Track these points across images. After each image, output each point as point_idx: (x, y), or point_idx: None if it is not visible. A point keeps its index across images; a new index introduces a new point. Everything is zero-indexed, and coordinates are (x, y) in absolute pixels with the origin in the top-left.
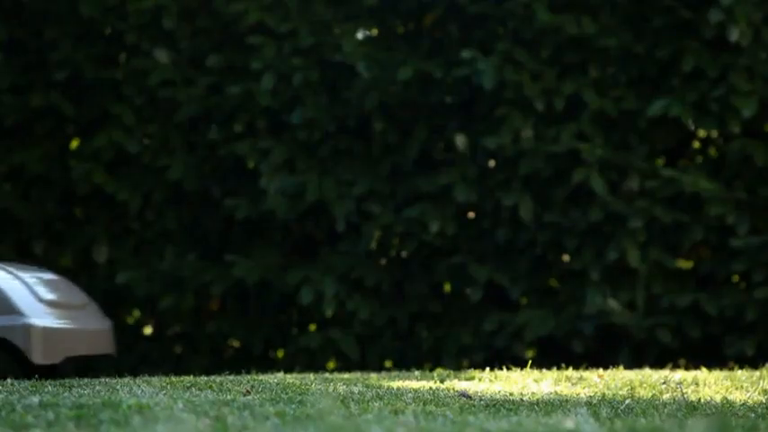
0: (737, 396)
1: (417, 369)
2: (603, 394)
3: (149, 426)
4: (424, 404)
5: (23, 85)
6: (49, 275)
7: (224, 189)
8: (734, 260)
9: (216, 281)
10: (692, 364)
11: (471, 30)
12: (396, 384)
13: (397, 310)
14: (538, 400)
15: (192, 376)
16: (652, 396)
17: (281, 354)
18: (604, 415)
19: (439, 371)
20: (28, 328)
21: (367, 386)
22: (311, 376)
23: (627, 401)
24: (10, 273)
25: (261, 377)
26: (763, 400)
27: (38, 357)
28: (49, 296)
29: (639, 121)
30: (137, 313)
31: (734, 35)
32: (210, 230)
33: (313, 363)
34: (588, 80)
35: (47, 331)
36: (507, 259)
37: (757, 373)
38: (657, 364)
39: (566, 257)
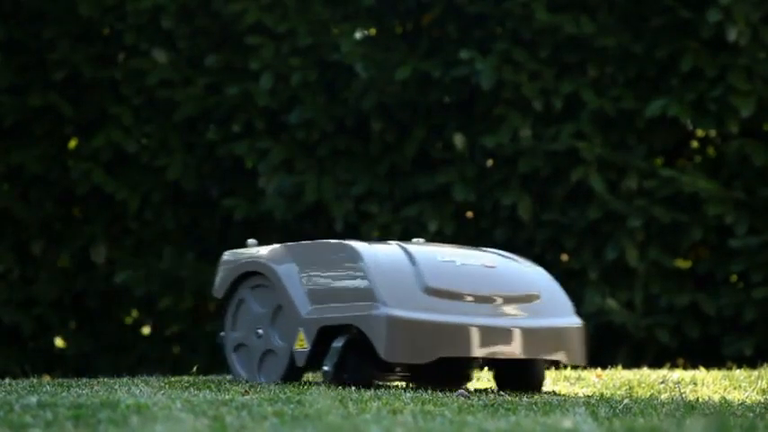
0: (736, 396)
1: None
2: (602, 394)
3: (148, 425)
4: (423, 404)
5: (22, 85)
6: (489, 259)
7: (222, 189)
8: (732, 260)
9: (214, 281)
10: (691, 363)
11: (470, 30)
12: (394, 384)
13: None
14: (536, 399)
15: (190, 376)
16: (650, 396)
17: None
18: (603, 414)
19: None
20: (379, 318)
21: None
22: (309, 376)
23: (625, 401)
24: (402, 250)
25: None
26: (761, 400)
27: (386, 353)
28: (444, 283)
29: (638, 120)
30: (135, 313)
31: (732, 35)
32: (209, 230)
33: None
34: (587, 80)
35: (401, 323)
36: None
37: (755, 372)
38: (656, 363)
39: (564, 257)
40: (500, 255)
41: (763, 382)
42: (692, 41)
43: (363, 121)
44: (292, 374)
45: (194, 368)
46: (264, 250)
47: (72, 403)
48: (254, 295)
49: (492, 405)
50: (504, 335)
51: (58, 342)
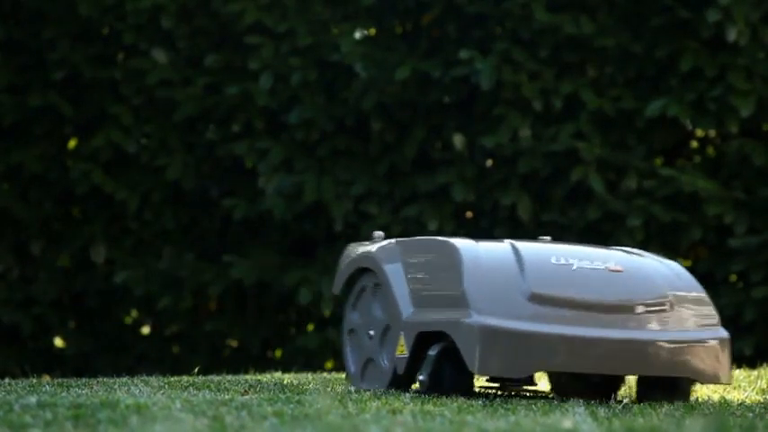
0: (735, 395)
1: None
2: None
3: (147, 425)
4: (422, 404)
5: (21, 85)
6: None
7: (222, 189)
8: (732, 260)
9: (214, 281)
10: None
11: (469, 30)
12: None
13: None
14: (536, 399)
15: (189, 376)
16: None
17: (279, 353)
18: (602, 415)
19: None
20: (469, 327)
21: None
22: (309, 376)
23: (624, 401)
24: (513, 250)
25: (259, 377)
26: (761, 400)
27: (474, 364)
28: (553, 289)
29: (638, 120)
30: (135, 313)
31: (732, 35)
32: (208, 230)
33: (311, 362)
34: (586, 80)
35: (493, 333)
36: None
37: (755, 372)
38: None
39: None
40: (634, 255)
41: (763, 382)
42: (691, 41)
43: (363, 120)
44: (395, 382)
45: (195, 369)
46: (378, 246)
47: (71, 403)
48: (374, 293)
49: (491, 405)
50: (618, 348)
51: (58, 342)
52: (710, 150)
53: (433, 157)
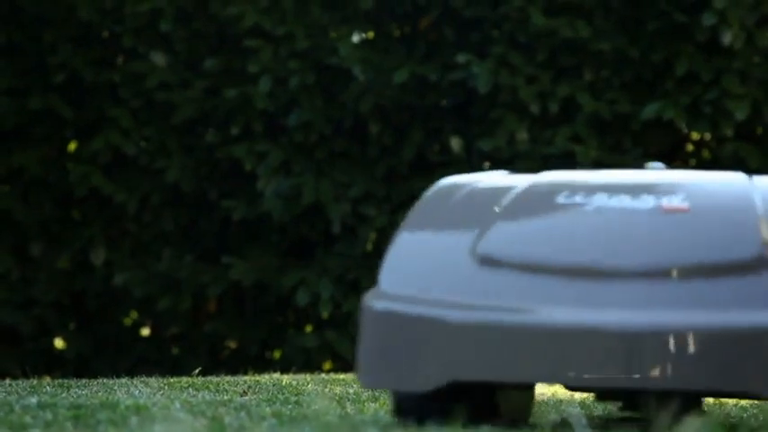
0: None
1: None
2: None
3: (146, 426)
4: None
5: (22, 88)
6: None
7: (221, 191)
8: None
9: (213, 282)
10: None
11: (467, 33)
12: None
13: None
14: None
15: (189, 377)
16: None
17: (277, 355)
18: (598, 413)
19: None
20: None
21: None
22: (307, 377)
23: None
24: (505, 182)
25: (258, 378)
26: (756, 401)
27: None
28: (520, 248)
29: (634, 123)
30: (134, 315)
31: (727, 39)
32: (207, 232)
33: (309, 364)
34: (583, 83)
35: (382, 319)
36: None
37: None
38: None
39: None
40: (732, 180)
41: None
42: (687, 45)
43: (361, 123)
44: None
45: (197, 371)
46: None
47: (71, 404)
48: None
49: None
50: (613, 344)
51: (58, 343)
52: (706, 153)
53: (430, 159)
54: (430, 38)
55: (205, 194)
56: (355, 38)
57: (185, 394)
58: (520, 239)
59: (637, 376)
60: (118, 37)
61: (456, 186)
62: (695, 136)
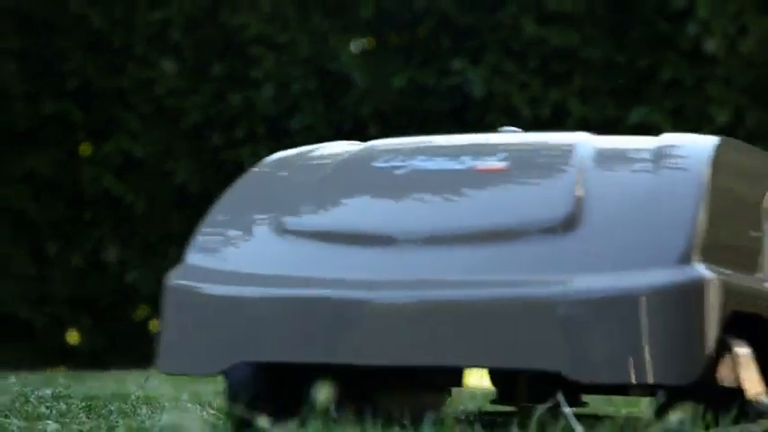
0: None
1: None
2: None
3: (156, 415)
4: None
5: (35, 93)
6: None
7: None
8: None
9: None
10: None
11: (462, 41)
12: None
13: None
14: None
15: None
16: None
17: None
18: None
19: None
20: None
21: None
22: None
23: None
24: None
25: None
26: None
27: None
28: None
29: (620, 127)
30: (144, 310)
31: (710, 47)
32: None
33: None
34: (573, 89)
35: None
36: None
37: None
38: None
39: None
40: (568, 140)
41: None
42: (671, 53)
43: (361, 127)
44: None
45: None
46: None
47: (85, 395)
48: None
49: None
50: (393, 317)
51: (72, 337)
52: None
53: None
54: (427, 45)
55: (211, 195)
56: (355, 46)
57: (193, 386)
58: (323, 208)
59: (415, 354)
60: (129, 45)
61: (281, 160)
62: None
